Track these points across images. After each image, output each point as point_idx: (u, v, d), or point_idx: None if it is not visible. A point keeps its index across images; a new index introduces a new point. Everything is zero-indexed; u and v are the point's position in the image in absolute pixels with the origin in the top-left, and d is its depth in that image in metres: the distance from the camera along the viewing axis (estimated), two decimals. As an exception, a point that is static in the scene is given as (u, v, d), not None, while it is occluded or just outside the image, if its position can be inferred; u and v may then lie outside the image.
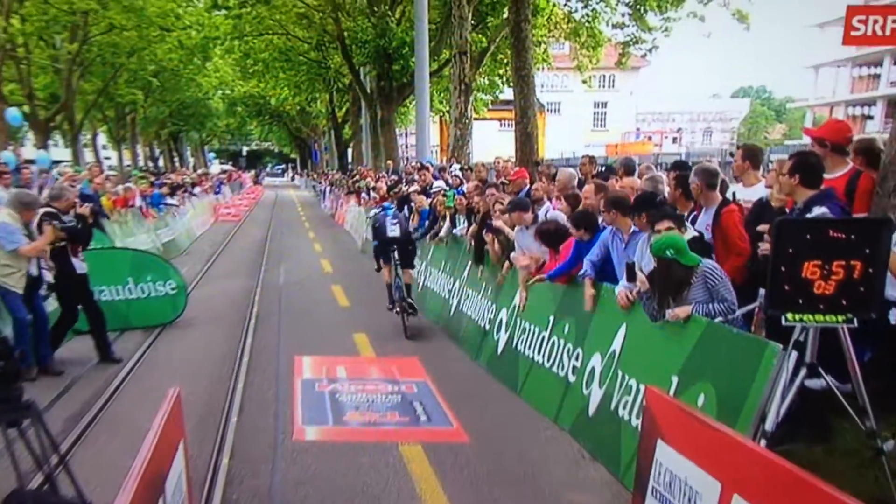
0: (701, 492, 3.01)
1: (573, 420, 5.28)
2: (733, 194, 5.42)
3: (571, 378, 5.48)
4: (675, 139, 46.45)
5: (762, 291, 4.07)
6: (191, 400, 5.16)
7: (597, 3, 22.14)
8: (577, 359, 5.46)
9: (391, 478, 4.53)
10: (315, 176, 50.01)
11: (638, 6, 20.86)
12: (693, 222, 5.00)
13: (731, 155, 8.07)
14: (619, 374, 4.81)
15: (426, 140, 18.38)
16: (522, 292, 6.59)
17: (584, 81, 26.11)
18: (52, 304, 7.24)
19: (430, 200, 10.46)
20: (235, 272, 13.53)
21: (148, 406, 3.77)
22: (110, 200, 13.62)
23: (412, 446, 4.97)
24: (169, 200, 18.45)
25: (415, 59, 17.92)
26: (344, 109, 39.81)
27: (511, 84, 17.10)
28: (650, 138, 45.33)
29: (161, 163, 49.10)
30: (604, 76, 46.04)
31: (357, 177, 23.17)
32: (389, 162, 22.43)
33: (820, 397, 3.55)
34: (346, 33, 24.49)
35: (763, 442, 3.31)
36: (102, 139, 41.76)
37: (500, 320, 7.07)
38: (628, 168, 7.44)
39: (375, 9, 23.42)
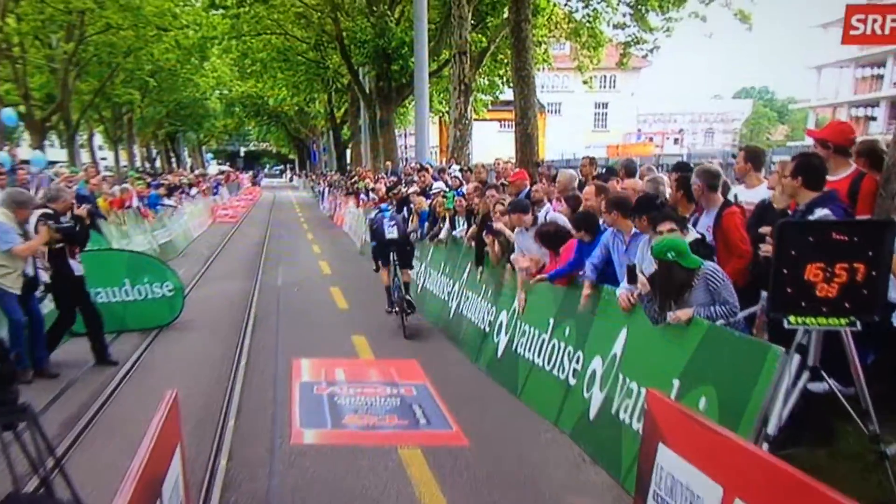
0: (702, 496, 2.99)
1: (574, 423, 5.25)
2: (735, 196, 5.41)
3: (572, 381, 5.45)
4: (676, 140, 46.50)
5: (764, 294, 4.06)
6: (188, 402, 5.12)
7: (598, 3, 22.15)
8: (577, 362, 5.43)
9: (390, 481, 4.49)
10: (313, 177, 49.92)
11: (639, 6, 20.87)
12: (694, 224, 4.97)
13: (733, 156, 8.07)
14: (620, 377, 4.78)
15: (425, 141, 18.36)
16: (521, 294, 6.56)
17: (585, 82, 26.12)
18: (47, 307, 7.20)
19: (429, 202, 10.43)
20: (233, 274, 13.47)
21: (145, 409, 3.74)
22: (107, 201, 13.56)
23: (411, 450, 4.93)
24: (166, 201, 18.42)
25: (414, 59, 17.91)
26: (342, 110, 39.77)
27: (511, 84, 17.09)
28: (651, 139, 45.35)
29: (158, 163, 49.04)
30: (605, 77, 46.06)
31: (356, 178, 23.13)
32: (388, 163, 22.40)
33: (823, 401, 3.53)
34: (344, 33, 24.46)
35: (765, 446, 3.29)
36: (99, 140, 41.67)
37: (500, 323, 7.04)
38: (629, 169, 7.42)
39: (374, 8, 23.39)
